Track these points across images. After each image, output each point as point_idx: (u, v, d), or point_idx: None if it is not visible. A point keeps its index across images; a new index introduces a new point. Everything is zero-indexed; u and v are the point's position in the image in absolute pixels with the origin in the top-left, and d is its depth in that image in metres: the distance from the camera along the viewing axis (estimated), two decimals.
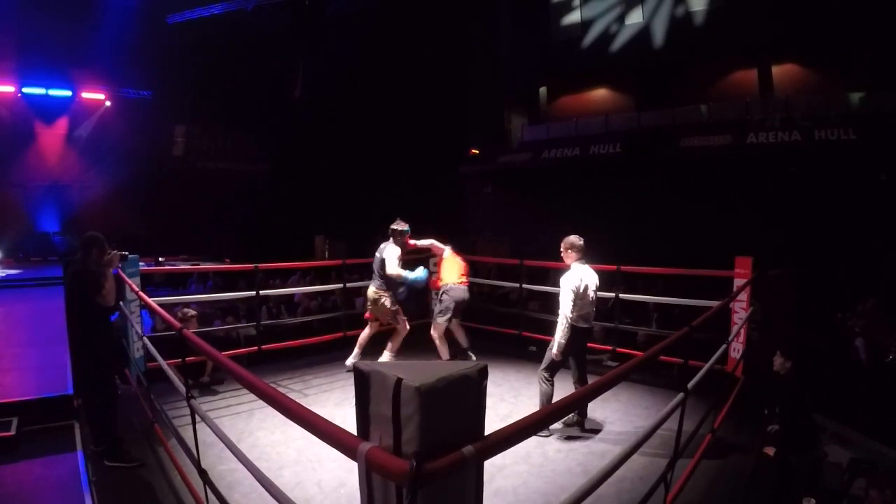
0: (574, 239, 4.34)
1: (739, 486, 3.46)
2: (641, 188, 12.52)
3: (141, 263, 5.25)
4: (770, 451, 3.80)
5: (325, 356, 6.13)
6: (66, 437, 3.94)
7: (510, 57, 16.00)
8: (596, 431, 4.22)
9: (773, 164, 10.88)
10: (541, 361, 4.31)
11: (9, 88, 13.85)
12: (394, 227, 5.34)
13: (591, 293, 4.24)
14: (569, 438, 4.06)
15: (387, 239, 5.33)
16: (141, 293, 4.21)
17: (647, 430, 2.37)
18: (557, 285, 7.45)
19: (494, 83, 16.30)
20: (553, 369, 4.19)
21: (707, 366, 3.33)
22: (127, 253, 4.42)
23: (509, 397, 5.00)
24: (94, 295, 3.67)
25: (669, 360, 5.15)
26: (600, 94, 15.37)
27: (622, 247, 9.92)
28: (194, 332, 3.36)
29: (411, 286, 5.29)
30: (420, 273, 5.25)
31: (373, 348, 5.57)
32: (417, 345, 5.97)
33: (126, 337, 4.87)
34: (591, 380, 2.44)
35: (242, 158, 17.76)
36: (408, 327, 5.44)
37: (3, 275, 11.00)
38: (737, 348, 5.03)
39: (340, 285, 6.45)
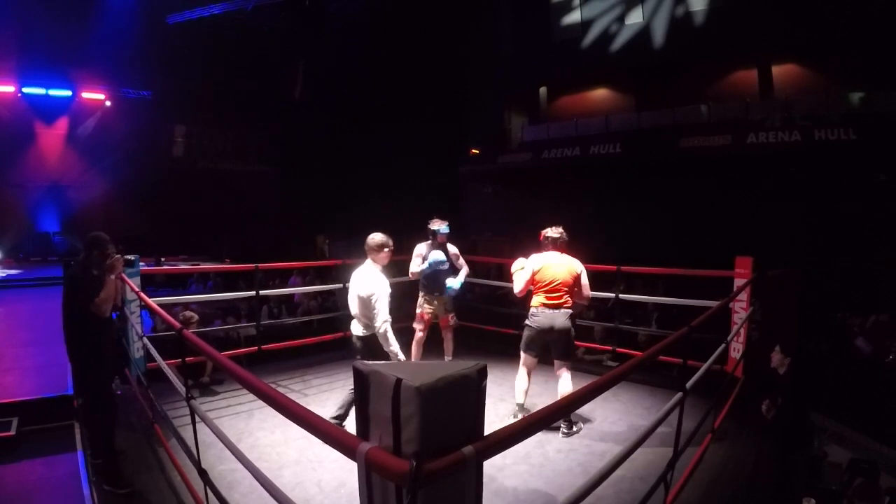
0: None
1: (739, 486, 3.46)
2: (641, 188, 12.52)
3: (141, 263, 5.25)
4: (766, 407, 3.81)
5: (325, 356, 6.12)
6: (66, 437, 3.94)
7: (510, 57, 16.01)
8: (596, 431, 4.22)
9: (773, 164, 10.88)
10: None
11: (9, 88, 13.86)
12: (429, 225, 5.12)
13: (352, 294, 3.90)
14: (569, 438, 4.05)
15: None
16: (141, 293, 4.21)
17: (645, 430, 2.37)
18: None
19: (494, 83, 16.31)
20: None
21: (705, 366, 3.33)
22: (133, 258, 3.99)
23: (509, 397, 4.99)
24: (86, 301, 3.28)
25: (669, 360, 5.15)
26: (600, 94, 15.39)
27: (622, 246, 9.95)
28: (194, 333, 3.35)
29: (438, 271, 5.03)
30: (435, 257, 4.97)
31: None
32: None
33: (126, 337, 4.86)
34: (590, 380, 2.42)
35: (242, 158, 17.76)
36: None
37: (3, 275, 11.01)
38: (737, 348, 5.03)
39: (340, 285, 6.44)
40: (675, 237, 10.96)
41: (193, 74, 15.00)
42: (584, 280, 4.21)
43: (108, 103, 15.23)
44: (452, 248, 5.23)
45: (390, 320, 3.71)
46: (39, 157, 14.78)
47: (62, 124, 15.02)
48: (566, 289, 4.11)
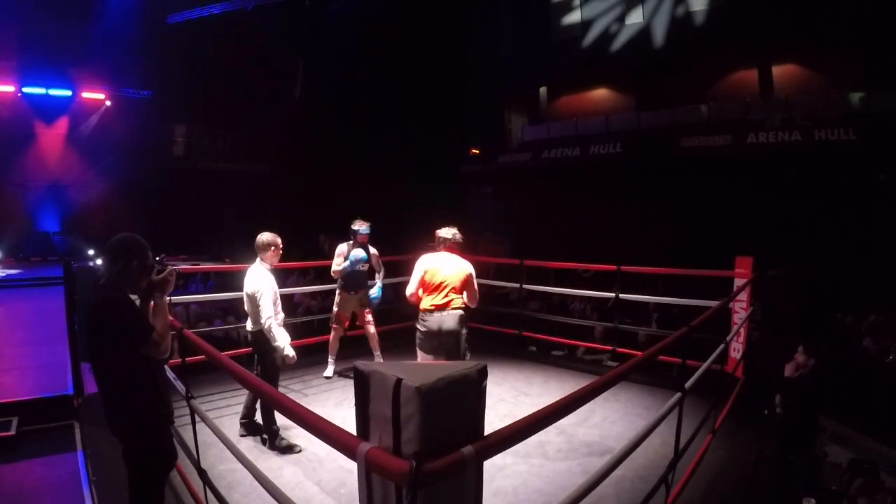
0: None
1: (739, 486, 3.46)
2: (641, 188, 12.52)
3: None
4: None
5: (326, 356, 6.11)
6: (66, 437, 3.94)
7: (510, 57, 16.01)
8: (596, 431, 4.22)
9: (773, 164, 10.88)
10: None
11: (9, 88, 13.87)
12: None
13: (244, 293, 4.01)
14: (569, 438, 4.06)
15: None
16: None
17: (644, 430, 2.37)
18: (559, 285, 7.46)
19: (494, 83, 16.31)
20: None
21: (704, 366, 3.33)
22: (174, 268, 2.58)
23: (509, 397, 5.00)
24: (138, 342, 2.20)
25: (669, 360, 5.15)
26: (600, 94, 15.38)
27: (622, 246, 9.94)
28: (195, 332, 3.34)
29: (357, 271, 5.29)
30: (356, 255, 5.20)
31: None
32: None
33: None
34: (590, 380, 2.39)
35: (242, 158, 17.77)
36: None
37: (3, 275, 11.03)
38: (737, 348, 5.04)
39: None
40: (676, 237, 10.96)
41: (193, 74, 15.01)
42: (473, 283, 4.06)
43: (108, 103, 15.24)
44: (373, 250, 5.39)
45: (273, 316, 3.78)
46: (39, 157, 14.79)
47: (62, 124, 15.04)
48: (455, 290, 3.97)
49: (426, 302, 4.00)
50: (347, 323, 5.50)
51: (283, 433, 3.84)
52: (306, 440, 3.79)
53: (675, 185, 12.07)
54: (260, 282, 3.81)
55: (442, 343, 3.95)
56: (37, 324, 6.72)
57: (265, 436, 3.89)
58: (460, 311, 3.96)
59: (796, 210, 10.49)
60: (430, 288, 3.98)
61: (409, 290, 4.07)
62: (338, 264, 5.31)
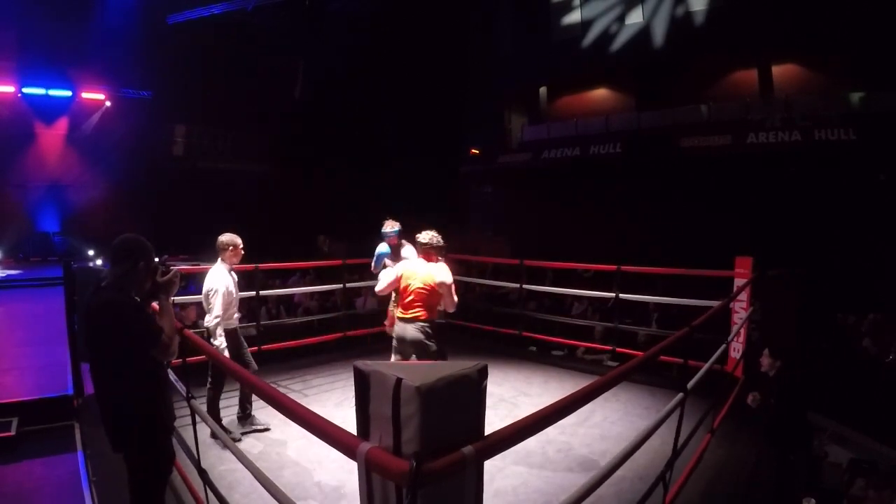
0: None
1: (739, 485, 3.46)
2: (641, 188, 12.52)
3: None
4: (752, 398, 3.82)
5: (325, 356, 6.13)
6: (66, 437, 3.95)
7: (510, 57, 16.01)
8: (596, 431, 4.22)
9: (773, 164, 10.88)
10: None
11: (9, 88, 13.84)
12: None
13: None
14: (569, 438, 4.05)
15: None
16: None
17: (646, 430, 2.37)
18: (558, 285, 7.46)
19: (494, 83, 16.31)
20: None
21: (706, 366, 3.33)
22: (176, 269, 2.48)
23: (509, 397, 5.01)
24: (148, 345, 2.18)
25: (669, 360, 5.15)
26: (600, 94, 15.38)
27: (622, 246, 9.95)
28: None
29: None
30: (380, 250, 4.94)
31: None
32: None
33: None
34: (590, 380, 2.35)
35: (242, 158, 17.74)
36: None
37: (3, 275, 11.03)
38: (737, 348, 5.04)
39: (340, 285, 6.45)
40: (676, 237, 10.96)
41: (193, 74, 14.98)
42: (446, 289, 3.89)
43: (108, 103, 15.21)
44: (409, 250, 4.85)
45: (220, 317, 3.88)
46: (39, 157, 14.76)
47: (62, 124, 15.01)
48: (421, 300, 3.86)
49: (398, 310, 4.03)
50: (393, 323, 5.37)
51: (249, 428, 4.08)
52: (306, 440, 3.79)
53: (675, 186, 12.07)
54: (214, 281, 3.94)
55: (408, 350, 3.93)
56: (37, 324, 6.71)
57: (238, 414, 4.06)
58: (423, 324, 3.86)
59: (796, 210, 10.49)
60: (401, 296, 3.97)
61: (378, 287, 4.22)
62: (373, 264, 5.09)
